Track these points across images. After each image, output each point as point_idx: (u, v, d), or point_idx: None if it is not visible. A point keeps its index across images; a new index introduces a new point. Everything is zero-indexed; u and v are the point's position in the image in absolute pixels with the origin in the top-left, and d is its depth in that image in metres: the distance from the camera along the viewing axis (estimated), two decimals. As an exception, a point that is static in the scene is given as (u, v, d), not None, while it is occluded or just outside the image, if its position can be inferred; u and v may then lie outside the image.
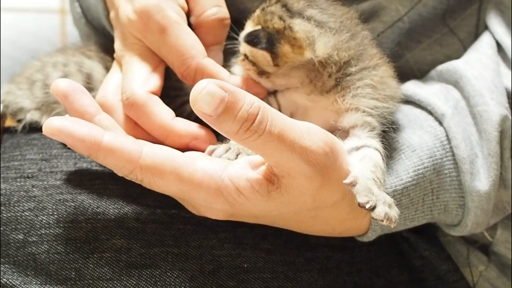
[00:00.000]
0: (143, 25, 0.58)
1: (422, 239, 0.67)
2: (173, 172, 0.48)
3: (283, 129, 0.45)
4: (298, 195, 0.49)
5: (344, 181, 0.50)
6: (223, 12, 0.61)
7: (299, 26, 0.54)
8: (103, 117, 0.54)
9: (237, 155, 0.53)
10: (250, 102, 0.44)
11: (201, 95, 0.43)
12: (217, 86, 0.43)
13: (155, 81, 0.58)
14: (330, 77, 0.55)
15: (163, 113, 0.57)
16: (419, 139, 0.58)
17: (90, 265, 0.54)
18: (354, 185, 0.49)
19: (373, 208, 0.48)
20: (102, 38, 0.73)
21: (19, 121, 0.70)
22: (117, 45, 0.62)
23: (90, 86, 0.69)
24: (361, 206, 0.48)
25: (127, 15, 0.59)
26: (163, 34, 0.57)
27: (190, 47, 0.57)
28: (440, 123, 0.59)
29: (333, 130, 0.55)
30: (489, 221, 0.61)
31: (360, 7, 0.67)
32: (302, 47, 0.53)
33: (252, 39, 0.55)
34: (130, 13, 0.59)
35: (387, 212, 0.48)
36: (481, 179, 0.57)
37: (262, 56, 0.55)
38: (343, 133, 0.56)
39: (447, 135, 0.58)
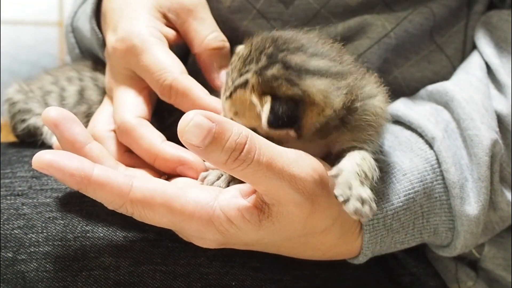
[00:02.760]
0: (125, 51, 0.60)
1: (410, 256, 0.67)
2: (164, 204, 0.48)
3: (271, 158, 0.46)
4: (288, 222, 0.50)
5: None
6: (222, 36, 0.63)
7: (314, 88, 0.50)
8: (93, 146, 0.53)
9: (229, 183, 0.53)
10: (238, 131, 0.44)
11: (188, 127, 0.43)
12: (204, 117, 0.43)
13: (143, 106, 0.60)
14: (337, 120, 0.52)
15: (151, 137, 0.57)
16: (409, 162, 0.58)
17: (79, 283, 0.55)
18: (337, 176, 0.50)
19: (345, 202, 0.48)
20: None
21: (23, 120, 0.71)
22: (107, 78, 0.64)
23: None
24: (336, 197, 0.49)
25: (112, 45, 0.61)
26: (141, 55, 0.59)
27: (167, 64, 0.58)
28: (431, 146, 0.60)
29: (323, 156, 0.55)
30: (478, 241, 0.61)
31: (346, 24, 0.68)
32: (324, 108, 0.50)
33: (277, 123, 0.49)
34: (114, 42, 0.61)
35: (357, 208, 0.48)
36: (471, 203, 0.57)
37: (285, 133, 0.51)
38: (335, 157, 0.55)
39: (437, 159, 0.59)
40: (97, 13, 0.69)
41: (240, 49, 0.56)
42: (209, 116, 0.44)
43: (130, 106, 0.59)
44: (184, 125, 0.43)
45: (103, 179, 0.47)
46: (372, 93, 0.54)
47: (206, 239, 0.51)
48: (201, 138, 0.43)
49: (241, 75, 0.52)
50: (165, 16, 0.63)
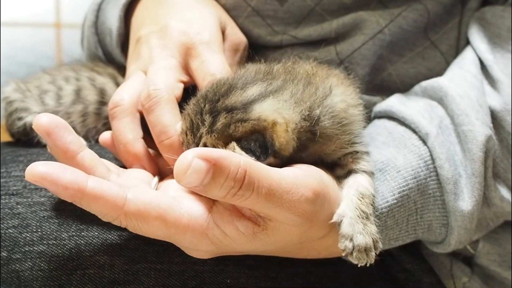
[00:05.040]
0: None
1: (405, 253, 0.67)
2: (158, 217, 0.47)
3: (270, 188, 0.46)
4: (284, 236, 0.50)
5: (330, 222, 0.51)
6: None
7: (265, 111, 0.49)
8: (85, 154, 0.52)
9: None
10: (236, 167, 0.44)
11: (187, 174, 0.43)
12: (202, 159, 0.43)
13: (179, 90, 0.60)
14: (306, 133, 0.51)
15: (172, 117, 0.57)
16: (403, 159, 0.58)
17: (74, 282, 0.55)
18: (339, 223, 0.51)
19: (349, 254, 0.51)
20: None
21: (20, 118, 0.71)
22: (148, 54, 0.64)
23: (104, 100, 0.70)
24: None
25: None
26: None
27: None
28: (424, 142, 0.59)
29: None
30: (472, 237, 0.61)
31: (341, 21, 0.68)
32: (286, 123, 0.49)
33: (254, 157, 0.48)
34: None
35: (360, 258, 0.51)
36: (465, 199, 0.57)
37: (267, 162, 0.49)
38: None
39: (431, 155, 0.58)
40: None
41: (179, 125, 0.55)
42: (205, 156, 0.43)
43: (171, 83, 0.59)
44: (182, 170, 0.43)
45: (97, 192, 0.46)
46: (325, 93, 0.52)
47: (200, 250, 0.51)
48: (199, 181, 0.43)
49: (197, 144, 0.51)
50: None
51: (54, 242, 0.55)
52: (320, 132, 0.51)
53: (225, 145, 0.49)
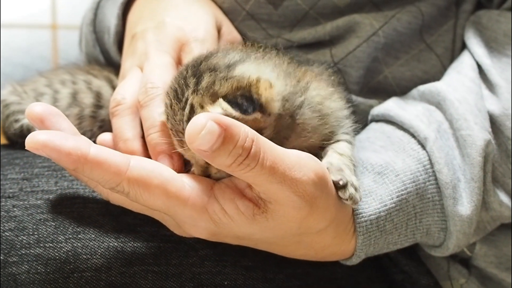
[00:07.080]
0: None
1: (402, 254, 0.67)
2: (160, 185, 0.48)
3: (274, 162, 0.46)
4: (283, 221, 0.50)
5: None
6: None
7: (247, 71, 0.50)
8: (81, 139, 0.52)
9: None
10: (244, 135, 0.44)
11: (201, 135, 0.43)
12: (215, 122, 0.43)
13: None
14: (287, 119, 0.52)
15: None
16: (402, 163, 0.58)
17: (71, 284, 0.54)
18: (328, 168, 0.52)
19: (343, 186, 0.51)
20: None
21: (16, 121, 0.71)
22: (143, 50, 0.63)
23: (100, 104, 0.70)
24: (335, 183, 0.51)
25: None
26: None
27: None
28: (423, 147, 0.59)
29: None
30: (470, 240, 0.61)
31: (335, 24, 0.68)
32: (271, 82, 0.49)
33: (242, 110, 0.48)
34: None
35: (351, 193, 0.51)
36: (464, 203, 0.58)
37: (253, 120, 0.49)
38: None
39: (430, 159, 0.59)
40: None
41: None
42: (218, 120, 0.43)
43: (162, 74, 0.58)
44: (196, 131, 0.43)
45: (100, 157, 0.46)
46: (305, 87, 0.54)
47: (199, 226, 0.50)
48: (210, 144, 0.43)
49: (183, 108, 0.50)
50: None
51: (50, 245, 0.55)
52: (301, 123, 0.52)
53: (212, 103, 0.49)
